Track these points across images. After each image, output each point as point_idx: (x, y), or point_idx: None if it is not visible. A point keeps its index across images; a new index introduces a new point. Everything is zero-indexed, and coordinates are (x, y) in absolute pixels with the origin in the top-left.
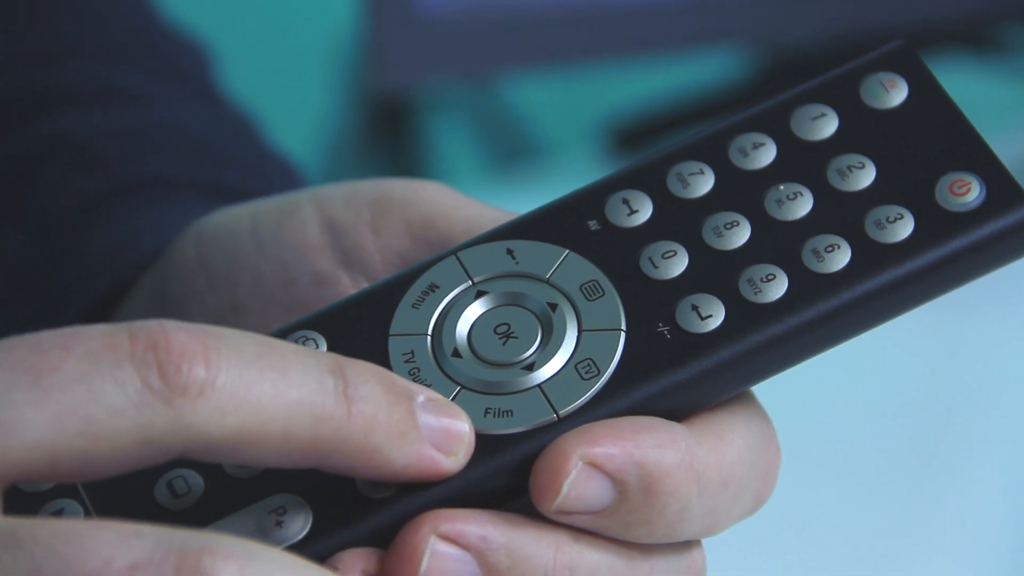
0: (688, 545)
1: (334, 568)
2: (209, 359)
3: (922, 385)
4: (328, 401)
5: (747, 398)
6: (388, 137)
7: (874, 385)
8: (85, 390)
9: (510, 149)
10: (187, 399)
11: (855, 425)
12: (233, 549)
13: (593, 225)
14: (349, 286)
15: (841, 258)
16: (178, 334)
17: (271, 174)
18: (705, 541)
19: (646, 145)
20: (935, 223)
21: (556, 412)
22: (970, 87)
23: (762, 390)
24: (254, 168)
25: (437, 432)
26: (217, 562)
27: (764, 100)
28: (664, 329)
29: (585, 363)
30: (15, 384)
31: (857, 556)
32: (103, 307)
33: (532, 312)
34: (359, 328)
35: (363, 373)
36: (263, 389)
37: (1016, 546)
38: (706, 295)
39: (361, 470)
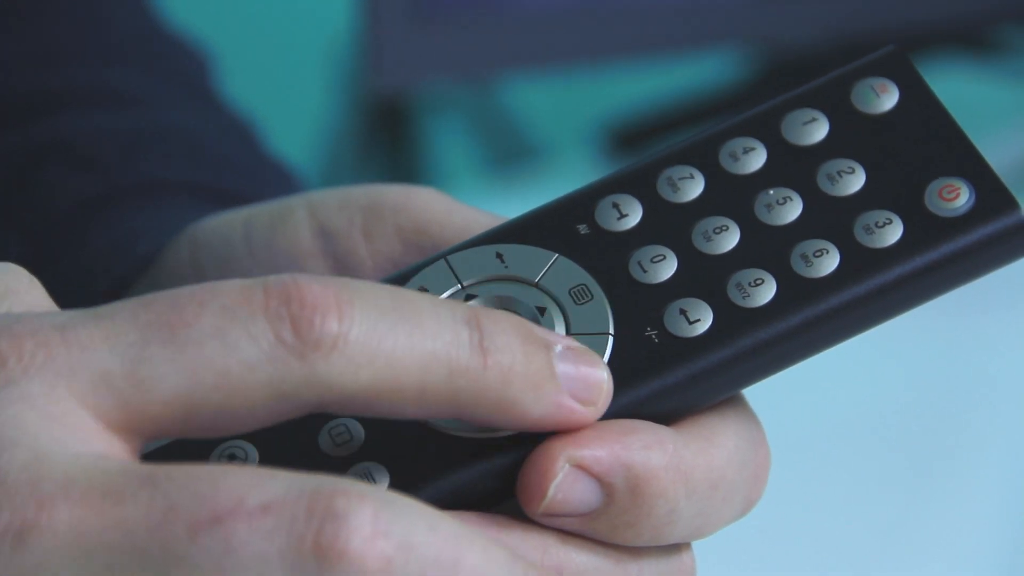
0: (678, 548)
1: None
2: (343, 312)
3: (915, 387)
4: (464, 353)
5: (737, 400)
6: (386, 139)
7: (866, 387)
8: (219, 344)
9: (508, 151)
10: (320, 353)
11: (846, 427)
12: (368, 492)
13: (583, 229)
14: None
15: (830, 263)
16: (312, 286)
17: (269, 178)
18: (695, 544)
19: (644, 147)
20: (924, 228)
21: None
22: (968, 89)
23: (753, 392)
24: (252, 172)
25: (575, 381)
26: (352, 503)
27: (755, 104)
28: (652, 333)
29: None
30: (151, 339)
31: (849, 560)
32: None
33: (520, 316)
34: None
35: (499, 323)
36: (397, 341)
37: (1013, 550)
38: (694, 299)
39: (498, 421)
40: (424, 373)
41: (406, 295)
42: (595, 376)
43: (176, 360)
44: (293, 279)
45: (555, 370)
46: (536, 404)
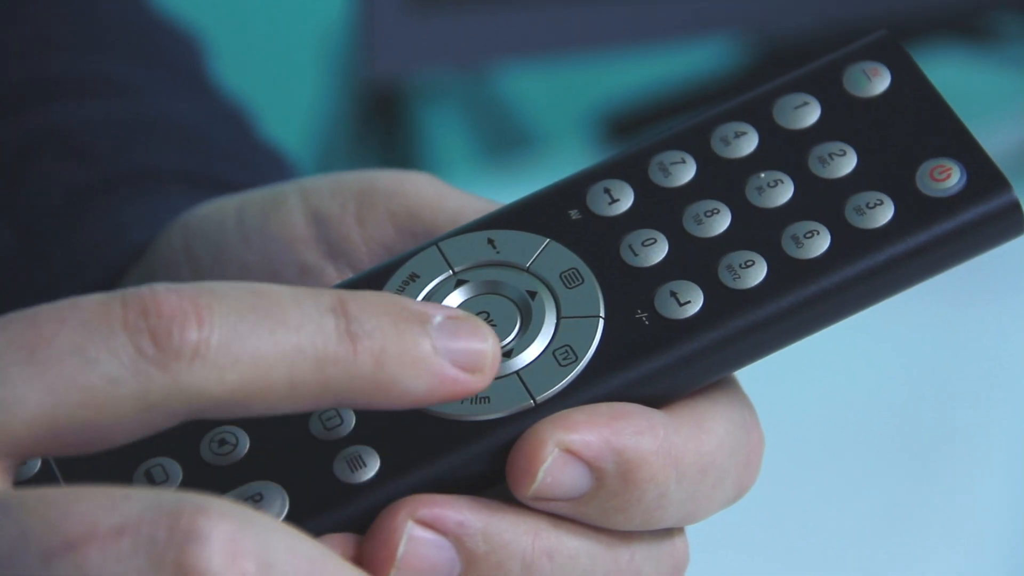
0: (670, 532)
1: None
2: (202, 318)
3: (913, 372)
4: (330, 341)
5: (729, 384)
6: (381, 127)
7: (863, 370)
8: (80, 361)
9: (503, 138)
10: (183, 362)
11: (843, 411)
12: (228, 511)
13: (575, 214)
14: (334, 277)
15: (821, 244)
16: (169, 296)
17: (262, 165)
18: (690, 529)
19: (639, 134)
20: (915, 209)
21: (533, 398)
22: (963, 76)
23: (747, 375)
24: (245, 159)
25: (457, 352)
26: (212, 522)
27: (748, 90)
28: (642, 315)
29: (563, 350)
30: (11, 360)
31: (845, 547)
32: None
33: (511, 300)
34: None
35: (368, 306)
36: (260, 340)
37: (1013, 543)
38: (685, 282)
39: (382, 404)
40: (291, 368)
41: (267, 291)
42: (477, 344)
43: (37, 380)
44: (150, 289)
45: (433, 343)
46: (417, 380)
